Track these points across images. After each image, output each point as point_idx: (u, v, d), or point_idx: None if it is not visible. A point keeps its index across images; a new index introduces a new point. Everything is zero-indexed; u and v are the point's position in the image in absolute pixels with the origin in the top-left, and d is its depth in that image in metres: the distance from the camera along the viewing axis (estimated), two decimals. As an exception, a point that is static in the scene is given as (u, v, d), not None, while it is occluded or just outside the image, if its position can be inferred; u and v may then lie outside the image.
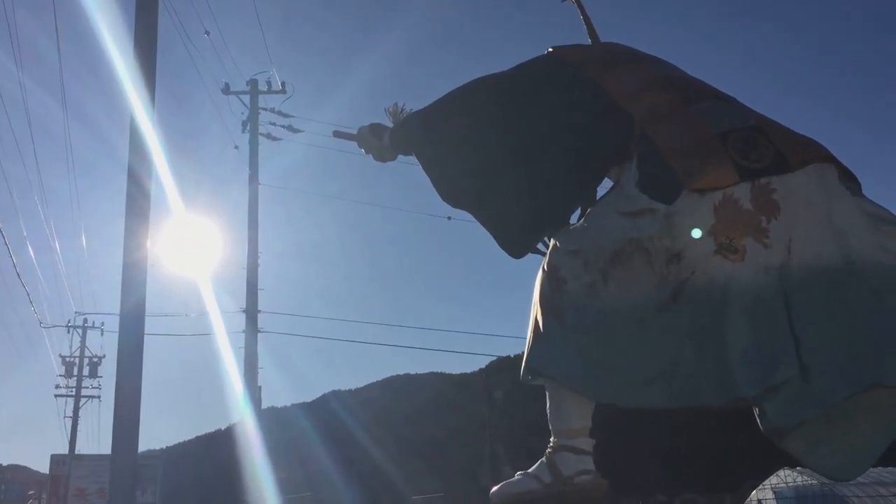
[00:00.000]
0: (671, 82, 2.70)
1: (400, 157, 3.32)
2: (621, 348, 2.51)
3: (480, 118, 2.94)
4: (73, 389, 28.10)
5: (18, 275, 18.13)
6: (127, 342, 8.87)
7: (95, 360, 28.48)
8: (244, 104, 15.88)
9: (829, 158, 2.48)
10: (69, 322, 27.44)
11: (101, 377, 28.88)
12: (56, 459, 19.68)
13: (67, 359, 27.89)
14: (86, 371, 28.29)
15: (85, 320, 28.22)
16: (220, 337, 15.21)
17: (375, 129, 3.26)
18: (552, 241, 2.78)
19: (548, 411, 2.69)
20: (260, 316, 16.49)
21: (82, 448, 28.47)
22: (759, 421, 2.40)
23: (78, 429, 28.00)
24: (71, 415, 27.88)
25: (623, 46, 3.05)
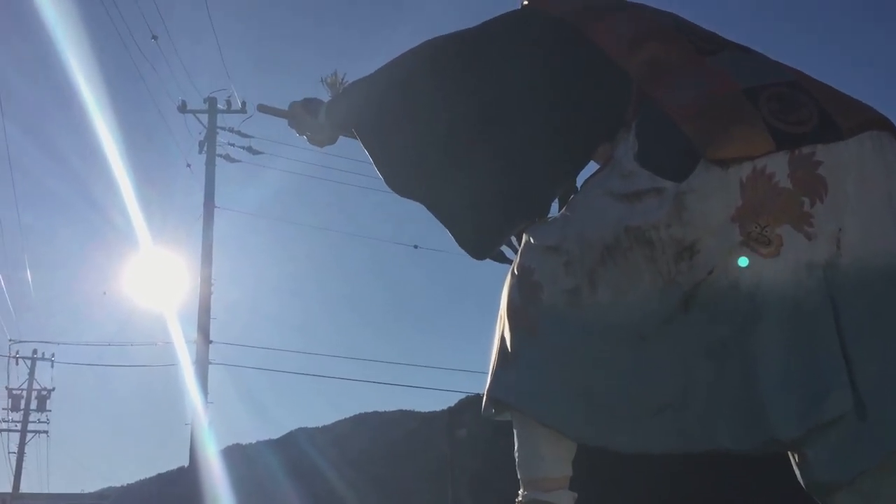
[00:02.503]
0: (680, 30, 2.12)
1: (343, 139, 2.72)
2: (614, 373, 1.91)
3: (436, 86, 2.34)
4: (19, 424, 27.21)
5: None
6: None
7: (44, 393, 27.56)
8: (202, 123, 15.29)
9: (888, 126, 1.90)
10: (16, 353, 26.23)
11: (49, 411, 27.85)
12: (-6, 498, 18.67)
13: (14, 391, 26.87)
14: (33, 405, 27.38)
15: (34, 351, 27.05)
16: (186, 368, 14.37)
17: (310, 104, 2.65)
18: (525, 237, 2.18)
19: (516, 455, 2.09)
20: (218, 347, 15.71)
21: (28, 486, 27.26)
22: (798, 472, 1.80)
23: (23, 465, 27.01)
24: (16, 450, 26.95)
25: None
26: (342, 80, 2.65)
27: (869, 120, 1.88)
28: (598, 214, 1.98)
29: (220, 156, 15.05)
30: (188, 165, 15.32)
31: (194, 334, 14.21)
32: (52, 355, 26.88)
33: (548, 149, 2.20)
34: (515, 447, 2.09)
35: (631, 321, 1.91)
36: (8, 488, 25.30)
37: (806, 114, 1.84)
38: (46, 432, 27.91)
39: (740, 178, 1.80)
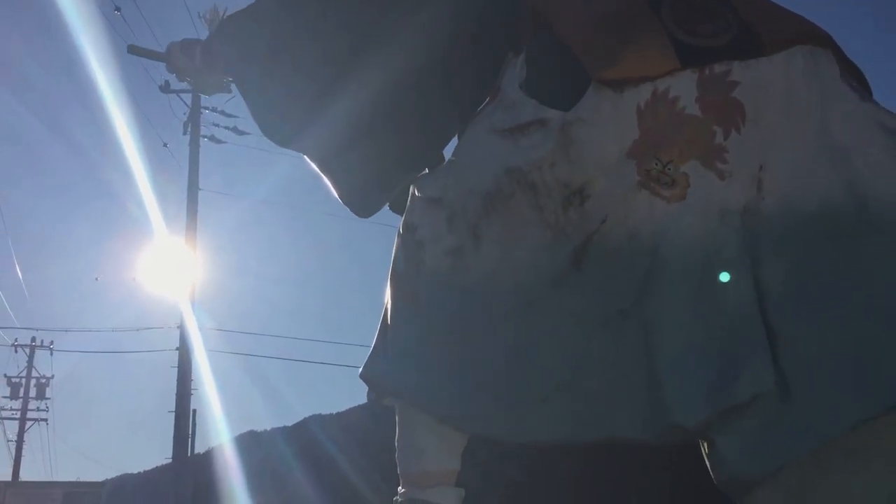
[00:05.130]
0: None
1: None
2: (497, 349, 1.59)
3: (320, 18, 2.02)
4: (19, 412, 27.08)
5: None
6: None
7: (43, 381, 27.40)
8: (185, 104, 14.90)
9: (825, 41, 1.55)
10: (15, 341, 25.99)
11: (48, 399, 27.69)
12: (-9, 486, 18.56)
13: (13, 379, 26.70)
14: (32, 392, 27.22)
15: (33, 339, 26.80)
16: (199, 354, 14.11)
17: (188, 45, 2.33)
18: (411, 189, 1.86)
19: (396, 444, 1.78)
20: (218, 333, 15.49)
21: (27, 474, 27.14)
22: (709, 465, 1.46)
23: (22, 453, 26.84)
24: (15, 438, 26.79)
25: None
26: (223, 16, 2.32)
27: (801, 33, 1.53)
28: (479, 156, 1.65)
29: (205, 137, 14.73)
30: (165, 145, 15.02)
31: (195, 320, 13.96)
32: (51, 343, 26.71)
33: (437, 86, 1.87)
34: (396, 436, 1.78)
35: (517, 285, 1.58)
36: (8, 476, 25.27)
37: (721, 24, 1.49)
38: (46, 420, 27.84)
39: (638, 105, 1.46)
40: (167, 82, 14.19)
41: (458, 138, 1.90)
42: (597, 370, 1.50)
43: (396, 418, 1.80)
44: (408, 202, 1.88)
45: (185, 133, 14.52)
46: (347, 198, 2.00)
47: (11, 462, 26.39)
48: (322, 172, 2.05)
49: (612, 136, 1.47)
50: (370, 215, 2.02)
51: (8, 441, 26.79)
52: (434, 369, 1.65)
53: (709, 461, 1.45)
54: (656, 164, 1.45)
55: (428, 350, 1.67)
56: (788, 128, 1.47)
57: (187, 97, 14.42)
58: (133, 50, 2.81)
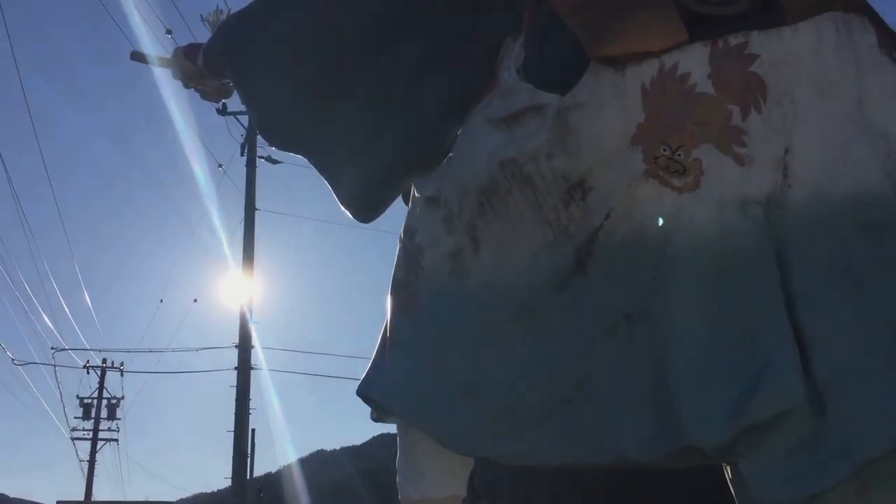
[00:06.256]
0: None
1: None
2: (498, 362, 1.45)
3: (313, 14, 1.91)
4: (90, 432, 27.75)
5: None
6: None
7: (114, 401, 28.09)
8: (242, 125, 15.11)
9: (859, 5, 1.37)
10: (87, 363, 26.70)
11: (118, 419, 28.34)
12: (62, 506, 18.98)
13: (85, 400, 27.41)
14: (104, 413, 27.90)
15: (104, 360, 27.56)
16: (265, 373, 14.22)
17: (191, 50, 2.25)
18: (412, 190, 1.74)
19: (397, 467, 1.66)
20: (282, 353, 15.63)
21: (99, 493, 27.82)
22: (733, 491, 1.29)
23: (94, 473, 27.49)
24: (87, 458, 27.50)
25: None
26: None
27: None
28: (473, 149, 1.51)
29: (262, 157, 14.90)
30: (220, 166, 15.30)
31: (266, 340, 14.12)
32: (121, 364, 27.37)
33: (438, 76, 1.74)
34: (397, 459, 1.66)
35: (518, 290, 1.43)
36: (80, 496, 25.81)
37: None
38: (116, 440, 28.51)
39: (642, 84, 1.29)
40: (224, 104, 14.41)
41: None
42: (603, 383, 1.34)
43: (397, 439, 1.67)
44: (409, 205, 1.76)
45: (242, 154, 14.73)
46: (350, 201, 1.89)
47: (84, 482, 27.04)
48: (322, 175, 1.94)
49: (613, 120, 1.31)
50: (370, 220, 1.91)
51: (80, 461, 27.51)
52: (434, 386, 1.52)
53: (732, 486, 1.28)
54: (665, 151, 1.28)
55: (427, 365, 1.54)
56: (818, 106, 1.29)
57: (244, 118, 14.66)
58: (135, 56, 2.68)
